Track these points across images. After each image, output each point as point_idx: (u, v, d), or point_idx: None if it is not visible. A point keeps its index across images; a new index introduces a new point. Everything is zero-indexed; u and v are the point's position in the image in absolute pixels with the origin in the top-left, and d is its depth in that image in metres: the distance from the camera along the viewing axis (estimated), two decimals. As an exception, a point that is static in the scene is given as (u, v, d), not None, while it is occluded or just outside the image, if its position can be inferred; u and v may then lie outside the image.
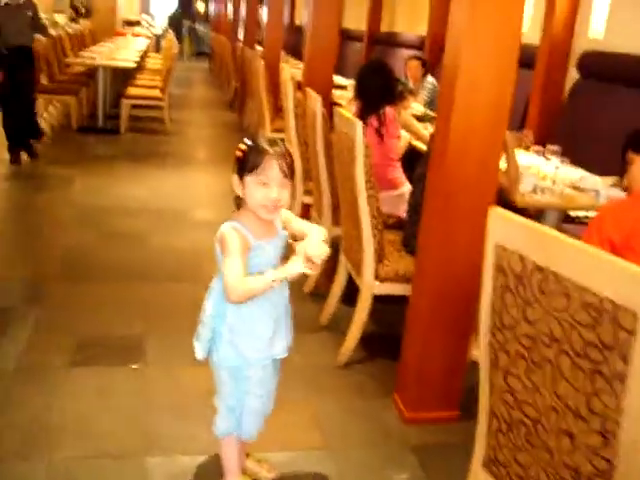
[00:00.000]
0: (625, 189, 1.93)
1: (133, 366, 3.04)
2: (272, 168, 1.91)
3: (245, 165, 1.93)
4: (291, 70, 6.48)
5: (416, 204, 3.21)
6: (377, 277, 3.10)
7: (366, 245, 3.05)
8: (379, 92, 3.95)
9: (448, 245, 2.64)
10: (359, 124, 2.90)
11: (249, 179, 1.93)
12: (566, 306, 1.41)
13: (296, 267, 1.92)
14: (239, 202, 2.02)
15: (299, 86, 5.37)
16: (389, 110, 3.94)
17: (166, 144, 8.19)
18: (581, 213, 4.19)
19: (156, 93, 8.70)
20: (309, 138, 4.25)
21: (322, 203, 3.91)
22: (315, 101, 3.72)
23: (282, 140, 2.02)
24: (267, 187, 1.92)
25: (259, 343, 2.07)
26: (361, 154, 2.92)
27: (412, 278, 2.91)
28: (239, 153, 1.95)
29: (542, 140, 4.85)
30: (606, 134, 4.84)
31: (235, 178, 1.98)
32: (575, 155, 4.13)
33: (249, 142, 1.96)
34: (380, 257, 3.10)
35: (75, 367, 2.99)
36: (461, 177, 2.56)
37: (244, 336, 2.05)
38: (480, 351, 1.75)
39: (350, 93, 6.81)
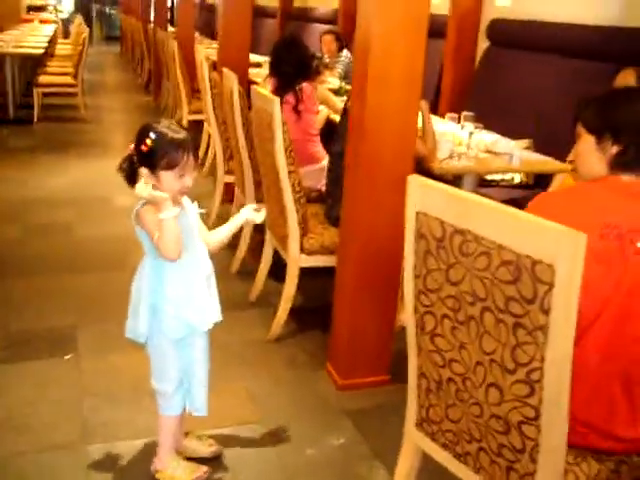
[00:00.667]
0: (570, 162, 1.96)
1: (66, 357, 3.00)
2: (189, 160, 1.96)
3: (158, 160, 1.93)
4: (205, 50, 6.40)
5: (337, 178, 3.26)
6: (303, 250, 3.13)
7: (290, 219, 3.08)
8: (295, 68, 3.96)
9: (371, 214, 2.69)
10: (276, 101, 2.91)
11: (165, 174, 1.95)
12: (487, 265, 1.47)
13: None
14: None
15: (215, 66, 5.34)
16: (306, 86, 3.96)
17: (83, 132, 7.99)
18: (497, 177, 4.33)
19: (68, 80, 8.47)
20: (227, 117, 4.23)
21: (244, 181, 3.91)
22: (232, 80, 3.70)
23: (179, 123, 2.07)
24: (184, 177, 1.97)
25: (201, 308, 2.10)
26: (280, 130, 2.94)
27: (337, 248, 2.95)
28: (145, 148, 1.94)
29: (456, 108, 4.96)
30: (516, 99, 4.99)
31: (144, 172, 1.96)
32: (488, 121, 4.23)
33: (153, 135, 1.94)
34: (305, 230, 3.13)
35: (5, 364, 2.93)
36: (380, 147, 2.60)
37: (187, 306, 2.08)
38: (406, 316, 1.80)
39: (266, 70, 6.82)
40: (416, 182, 1.63)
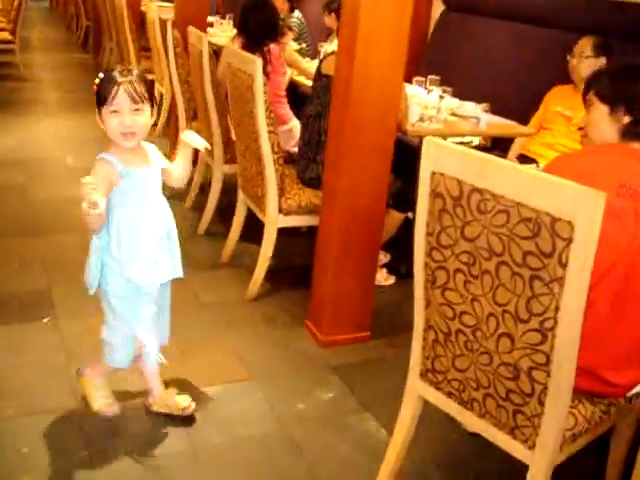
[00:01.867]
0: (580, 129, 2.07)
1: (44, 320, 2.99)
2: (120, 96, 2.00)
3: (99, 98, 2.02)
4: (156, 8, 6.28)
5: (310, 141, 3.30)
6: (280, 211, 3.18)
7: (269, 181, 3.12)
8: (262, 29, 3.95)
9: (354, 175, 2.76)
10: (258, 61, 2.93)
11: (104, 110, 2.03)
12: (505, 222, 1.56)
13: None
14: None
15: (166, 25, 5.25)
16: (274, 47, 3.96)
17: (23, 90, 7.75)
18: (456, 139, 4.43)
19: (6, 36, 8.18)
20: (191, 77, 4.20)
21: (212, 142, 3.90)
22: (201, 40, 3.68)
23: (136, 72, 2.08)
24: (119, 114, 2.02)
25: (144, 268, 2.16)
26: (260, 91, 2.96)
27: (320, 208, 3.01)
28: (94, 87, 2.04)
29: (410, 71, 5.02)
30: (470, 63, 5.09)
31: (96, 113, 2.07)
32: (443, 86, 4.33)
33: (102, 74, 2.05)
34: (282, 191, 3.18)
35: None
36: (365, 110, 2.66)
37: (131, 264, 2.14)
38: (415, 271, 1.88)
39: (216, 29, 6.74)
40: (433, 143, 1.70)
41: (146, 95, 2.05)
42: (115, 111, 2.01)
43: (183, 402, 2.43)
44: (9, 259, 3.56)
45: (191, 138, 2.29)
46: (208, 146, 2.37)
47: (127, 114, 2.01)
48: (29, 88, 7.90)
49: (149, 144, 2.22)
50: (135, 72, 2.05)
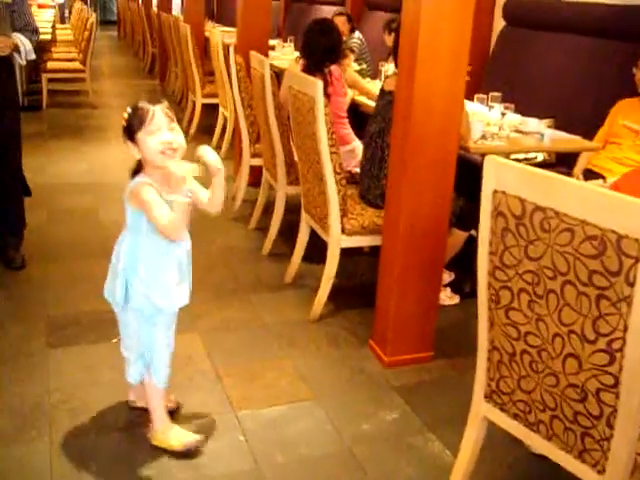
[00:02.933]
0: None
1: (113, 340, 3.05)
2: (156, 115, 2.07)
3: (132, 127, 2.09)
4: (220, 34, 6.42)
5: (374, 158, 3.31)
6: (344, 231, 3.19)
7: (331, 201, 3.13)
8: (325, 51, 4.00)
9: (417, 193, 2.75)
10: (319, 84, 2.96)
11: (140, 136, 2.09)
12: (570, 240, 1.54)
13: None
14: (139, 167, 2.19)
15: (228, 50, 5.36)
16: (334, 68, 4.00)
17: (93, 117, 8.01)
18: (520, 156, 4.38)
19: (77, 65, 8.47)
20: (254, 101, 4.27)
21: (275, 164, 3.96)
22: (263, 64, 3.74)
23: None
24: (158, 133, 2.08)
25: (168, 292, 2.23)
26: (322, 112, 2.99)
27: (382, 228, 3.02)
28: (124, 122, 2.12)
29: (472, 89, 5.00)
30: (533, 79, 5.03)
31: (129, 145, 2.13)
32: (504, 101, 4.29)
33: (129, 108, 2.13)
34: (344, 211, 3.19)
35: (54, 348, 2.98)
36: (427, 127, 2.66)
37: (156, 287, 2.21)
38: (479, 291, 1.86)
39: (278, 52, 6.85)
40: (494, 162, 1.69)
41: (175, 119, 2.14)
42: (153, 131, 2.07)
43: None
44: (79, 280, 3.67)
45: (205, 153, 2.17)
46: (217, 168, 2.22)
47: (166, 131, 2.08)
48: (99, 115, 8.16)
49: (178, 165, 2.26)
50: (163, 100, 2.15)
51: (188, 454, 2.34)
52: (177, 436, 2.37)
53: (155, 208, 2.10)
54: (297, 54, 4.62)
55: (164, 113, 2.09)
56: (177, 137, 2.11)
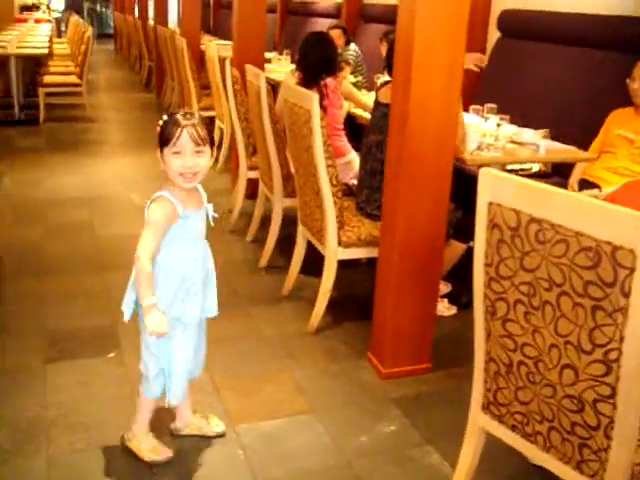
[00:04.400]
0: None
1: (110, 355, 3.06)
2: (183, 138, 2.04)
3: (160, 140, 2.08)
4: (215, 47, 6.44)
5: (373, 170, 3.32)
6: (340, 243, 3.20)
7: (328, 213, 3.14)
8: (320, 64, 4.02)
9: (413, 204, 2.76)
10: (315, 97, 2.98)
11: (166, 151, 2.07)
12: (565, 252, 1.54)
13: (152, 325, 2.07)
14: None
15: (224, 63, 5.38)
16: (330, 81, 4.02)
17: (90, 131, 8.02)
18: (516, 166, 4.39)
19: (73, 79, 8.49)
20: (250, 113, 4.28)
21: (272, 176, 3.96)
22: (259, 77, 3.75)
23: (197, 115, 2.14)
24: (181, 156, 2.06)
25: (181, 304, 2.20)
26: (318, 125, 3.00)
27: (379, 239, 3.02)
28: (158, 128, 2.10)
29: (467, 100, 5.01)
30: (528, 90, 5.05)
31: (158, 153, 2.12)
32: (500, 112, 4.31)
33: (165, 117, 2.10)
34: (341, 224, 3.20)
35: (51, 363, 2.98)
36: (423, 139, 2.67)
37: (172, 305, 2.19)
38: (475, 303, 1.86)
39: (273, 65, 6.87)
40: (488, 174, 1.70)
41: (207, 137, 2.10)
42: (177, 152, 2.05)
43: (216, 427, 2.52)
44: (76, 295, 3.66)
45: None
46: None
47: (189, 156, 2.05)
48: (96, 129, 8.17)
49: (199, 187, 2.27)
50: (197, 115, 2.11)
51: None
52: (149, 447, 2.38)
53: (148, 232, 2.09)
54: (293, 67, 4.62)
55: (191, 135, 2.04)
56: (201, 161, 2.08)
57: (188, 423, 2.50)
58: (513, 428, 1.88)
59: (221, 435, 2.50)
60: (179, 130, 2.03)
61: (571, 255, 1.53)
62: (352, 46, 6.74)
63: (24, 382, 2.83)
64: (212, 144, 2.17)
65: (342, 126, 4.20)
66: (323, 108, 3.95)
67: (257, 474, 2.34)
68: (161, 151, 2.09)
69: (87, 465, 2.36)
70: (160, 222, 2.09)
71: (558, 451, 1.76)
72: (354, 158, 4.12)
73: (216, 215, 2.27)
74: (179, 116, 2.06)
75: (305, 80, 4.03)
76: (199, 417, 2.54)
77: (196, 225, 2.20)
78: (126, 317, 2.26)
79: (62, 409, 2.66)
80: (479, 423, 1.99)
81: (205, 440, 2.49)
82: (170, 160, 2.07)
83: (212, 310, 2.35)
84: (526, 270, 1.66)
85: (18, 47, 8.45)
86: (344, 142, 4.16)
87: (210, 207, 2.25)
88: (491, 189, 1.70)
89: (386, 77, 3.97)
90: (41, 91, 8.09)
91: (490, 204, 1.70)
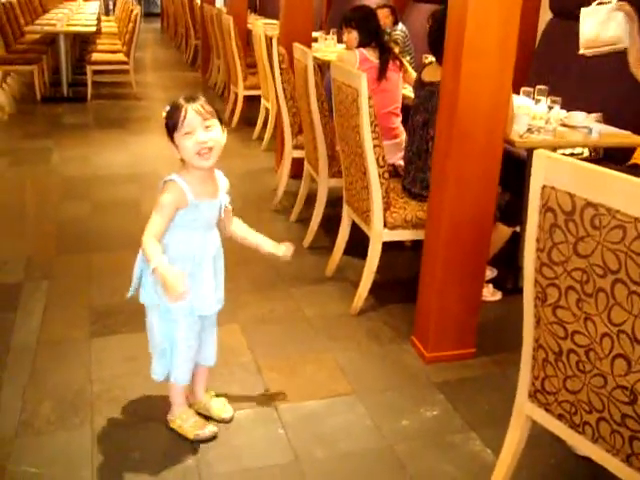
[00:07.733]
0: None
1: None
2: (189, 115, 2.03)
3: (169, 126, 2.07)
4: (262, 26, 6.42)
5: (419, 150, 3.28)
6: (386, 225, 3.17)
7: (374, 194, 3.11)
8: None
9: (461, 186, 2.71)
10: (363, 76, 2.93)
11: (177, 136, 2.07)
12: (621, 238, 1.49)
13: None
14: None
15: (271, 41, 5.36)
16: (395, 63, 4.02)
17: (137, 109, 8.08)
18: (567, 151, 4.29)
19: (121, 57, 8.55)
20: (297, 92, 4.26)
21: (317, 156, 3.94)
22: (306, 56, 3.72)
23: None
24: (193, 134, 2.05)
25: (193, 296, 2.17)
26: (366, 105, 2.96)
27: (425, 221, 2.98)
28: (164, 119, 2.09)
29: (517, 82, 4.91)
30: (580, 73, 4.92)
31: (169, 143, 2.11)
32: (552, 95, 4.21)
33: (168, 106, 2.10)
34: (387, 205, 3.16)
35: (97, 337, 3.02)
36: (473, 119, 2.62)
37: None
38: (525, 288, 1.82)
39: (320, 45, 6.80)
40: (543, 156, 1.65)
41: (214, 112, 2.09)
42: (188, 132, 2.04)
43: (224, 414, 2.49)
44: (121, 271, 3.67)
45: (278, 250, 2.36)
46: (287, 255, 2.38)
47: (200, 131, 2.05)
48: (142, 106, 8.23)
49: (221, 174, 2.26)
50: (200, 96, 2.10)
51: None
52: (191, 424, 2.39)
53: (156, 216, 2.08)
54: (341, 47, 4.58)
55: (197, 111, 2.04)
56: (213, 135, 2.07)
57: (197, 401, 2.50)
58: (560, 417, 1.84)
59: (226, 421, 2.47)
60: (184, 110, 2.03)
61: (628, 242, 1.48)
62: (400, 26, 6.65)
63: (70, 355, 2.87)
64: (221, 121, 2.15)
65: (400, 106, 4.14)
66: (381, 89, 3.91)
67: (298, 453, 2.34)
68: (172, 139, 2.09)
69: (131, 440, 2.39)
70: (168, 207, 2.08)
71: (606, 443, 1.72)
72: (404, 139, 4.07)
73: (229, 207, 2.26)
74: (181, 99, 2.07)
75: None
76: (209, 397, 2.52)
77: (205, 214, 2.17)
78: (129, 294, 2.29)
79: (107, 383, 2.69)
80: (525, 411, 1.95)
81: (248, 419, 2.50)
82: (183, 143, 2.06)
83: (219, 304, 2.33)
84: (580, 256, 1.61)
85: (68, 25, 8.53)
86: (398, 124, 4.11)
87: (226, 198, 2.23)
88: (545, 172, 1.65)
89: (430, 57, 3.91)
90: (89, 69, 8.17)
91: (544, 187, 1.65)
